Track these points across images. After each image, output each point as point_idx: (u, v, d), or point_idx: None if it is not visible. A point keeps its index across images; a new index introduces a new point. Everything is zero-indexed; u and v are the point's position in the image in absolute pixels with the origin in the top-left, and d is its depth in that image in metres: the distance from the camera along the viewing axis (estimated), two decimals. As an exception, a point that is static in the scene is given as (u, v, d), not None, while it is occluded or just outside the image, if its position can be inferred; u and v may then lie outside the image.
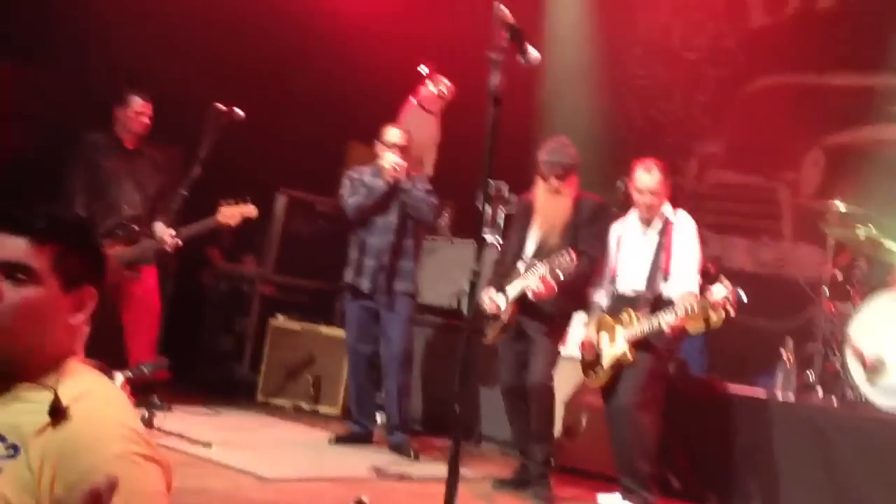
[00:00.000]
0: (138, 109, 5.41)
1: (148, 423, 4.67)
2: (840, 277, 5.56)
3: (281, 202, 6.81)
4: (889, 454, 4.52)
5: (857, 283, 5.38)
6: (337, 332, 6.10)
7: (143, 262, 5.37)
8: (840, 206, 5.54)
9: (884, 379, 4.94)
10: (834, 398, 5.11)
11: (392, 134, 5.35)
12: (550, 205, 4.77)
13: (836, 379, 5.22)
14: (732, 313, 4.24)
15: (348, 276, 5.41)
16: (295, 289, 6.94)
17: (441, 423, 5.78)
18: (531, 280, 4.59)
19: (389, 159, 5.25)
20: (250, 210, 5.28)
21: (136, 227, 5.38)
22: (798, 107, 7.34)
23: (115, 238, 5.29)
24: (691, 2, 8.11)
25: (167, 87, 5.74)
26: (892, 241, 5.36)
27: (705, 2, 8.03)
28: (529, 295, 4.61)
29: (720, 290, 4.18)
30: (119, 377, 2.21)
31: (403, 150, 5.32)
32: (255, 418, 5.90)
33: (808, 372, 5.39)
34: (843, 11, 7.27)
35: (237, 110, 5.30)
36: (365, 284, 5.34)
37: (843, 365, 5.10)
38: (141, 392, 2.31)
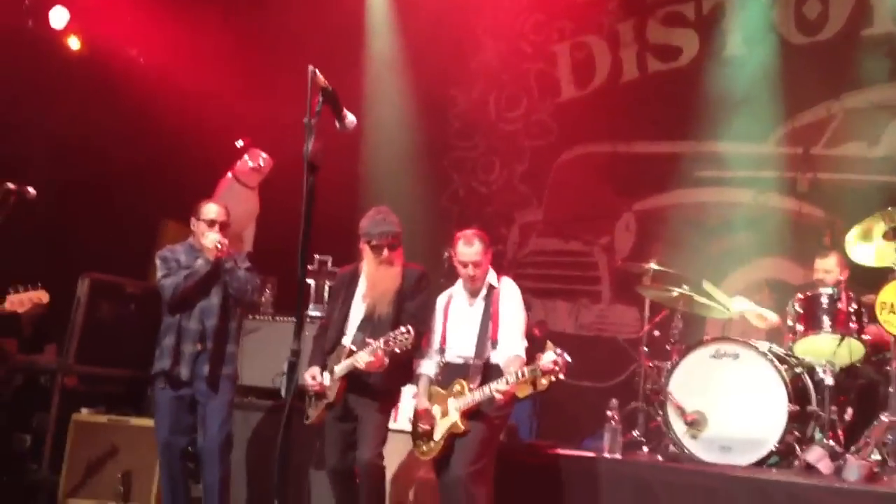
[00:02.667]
0: None
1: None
2: (658, 335, 5.74)
3: (84, 286, 6.35)
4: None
5: (673, 341, 5.55)
6: (147, 423, 5.66)
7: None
8: (653, 267, 5.76)
9: (704, 432, 5.08)
10: (659, 454, 5.18)
11: (210, 210, 5.07)
12: (381, 275, 4.66)
13: (659, 435, 5.32)
14: (563, 377, 4.23)
15: (163, 363, 5.00)
16: (101, 379, 6.47)
17: (267, 513, 5.42)
18: (363, 355, 4.45)
19: (211, 238, 4.97)
20: (41, 296, 4.81)
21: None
22: (609, 174, 7.70)
23: None
24: (504, 77, 8.39)
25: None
26: (702, 297, 5.61)
27: (518, 77, 8.33)
28: (361, 366, 4.44)
29: (549, 356, 4.17)
30: None
31: (223, 227, 5.06)
32: (57, 524, 5.37)
33: (634, 430, 5.48)
34: (645, 84, 7.72)
35: (29, 189, 4.86)
36: (184, 372, 4.96)
37: (666, 421, 5.21)
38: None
